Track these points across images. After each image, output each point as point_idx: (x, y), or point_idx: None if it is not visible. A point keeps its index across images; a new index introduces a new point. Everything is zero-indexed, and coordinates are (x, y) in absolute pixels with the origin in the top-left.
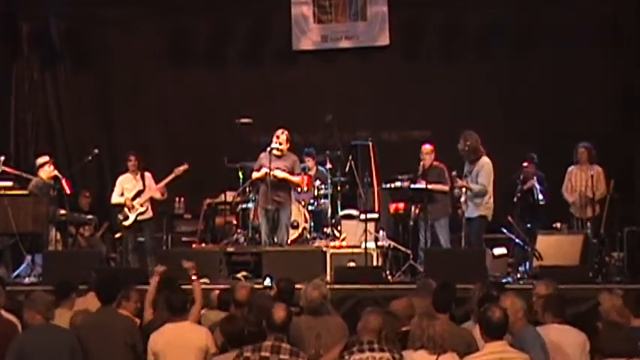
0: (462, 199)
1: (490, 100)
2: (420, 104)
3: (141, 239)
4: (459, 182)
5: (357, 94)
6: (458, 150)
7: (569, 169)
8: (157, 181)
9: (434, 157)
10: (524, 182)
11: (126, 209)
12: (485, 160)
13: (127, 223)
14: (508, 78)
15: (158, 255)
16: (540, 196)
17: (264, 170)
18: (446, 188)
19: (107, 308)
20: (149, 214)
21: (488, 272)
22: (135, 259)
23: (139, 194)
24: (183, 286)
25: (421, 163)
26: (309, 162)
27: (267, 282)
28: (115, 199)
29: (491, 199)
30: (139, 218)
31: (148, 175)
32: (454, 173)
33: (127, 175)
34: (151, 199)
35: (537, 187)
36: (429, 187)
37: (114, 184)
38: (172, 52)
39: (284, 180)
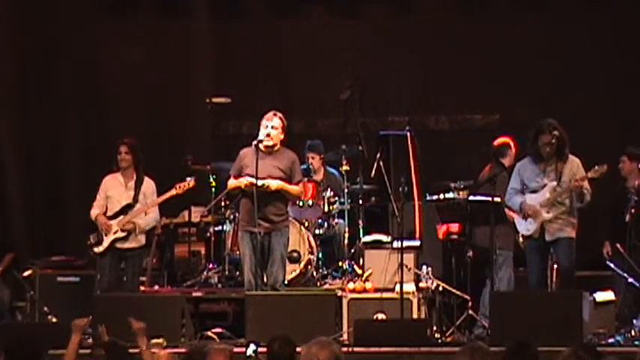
0: (548, 216)
1: (590, 69)
2: (484, 74)
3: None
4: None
5: (388, 59)
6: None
7: None
8: None
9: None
10: None
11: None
12: (575, 159)
13: (98, 249)
14: (626, 36)
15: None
16: None
17: (247, 179)
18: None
19: None
20: (138, 241)
21: (585, 328)
22: None
23: (124, 210)
24: (132, 350)
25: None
26: (314, 161)
27: (252, 350)
28: (95, 212)
29: None
30: (117, 245)
31: (148, 182)
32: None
33: (115, 177)
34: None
35: None
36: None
37: (27, 194)
38: None
39: (278, 190)
